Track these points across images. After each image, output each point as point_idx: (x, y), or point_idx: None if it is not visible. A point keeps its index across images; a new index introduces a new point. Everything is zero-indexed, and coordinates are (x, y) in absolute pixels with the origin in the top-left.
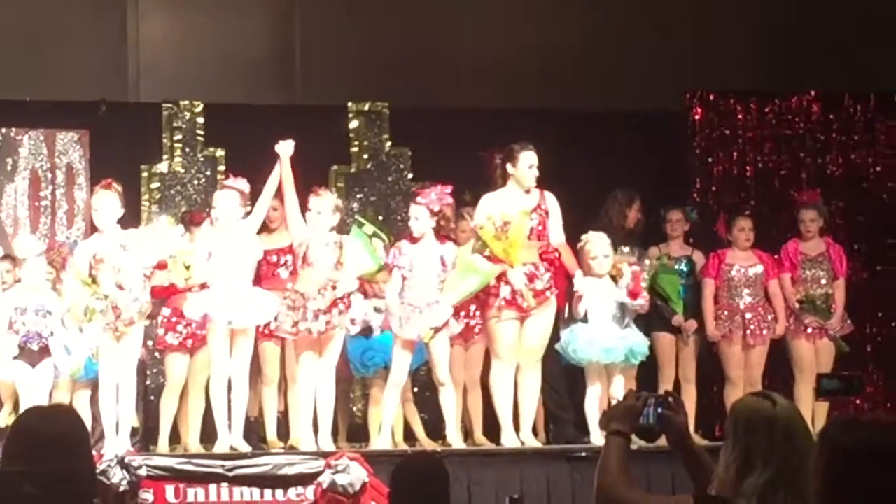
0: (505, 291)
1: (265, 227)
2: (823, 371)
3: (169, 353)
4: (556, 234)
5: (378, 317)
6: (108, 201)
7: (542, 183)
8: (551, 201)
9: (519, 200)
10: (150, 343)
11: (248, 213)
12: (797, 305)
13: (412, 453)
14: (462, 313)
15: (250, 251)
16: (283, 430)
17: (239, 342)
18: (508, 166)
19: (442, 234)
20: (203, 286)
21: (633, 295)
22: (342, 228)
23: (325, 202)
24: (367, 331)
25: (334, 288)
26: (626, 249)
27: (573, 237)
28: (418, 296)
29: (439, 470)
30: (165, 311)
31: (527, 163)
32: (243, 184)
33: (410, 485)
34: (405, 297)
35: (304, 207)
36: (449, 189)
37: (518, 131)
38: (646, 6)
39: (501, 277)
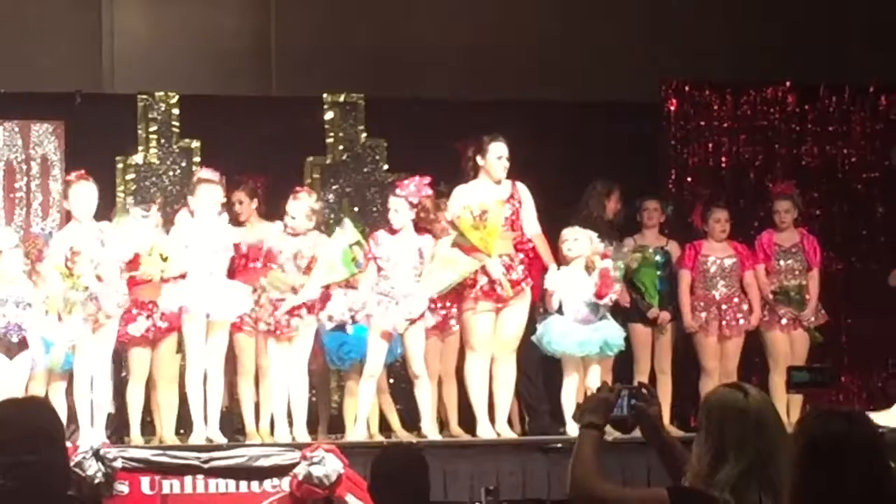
0: (482, 281)
1: (235, 221)
2: (798, 362)
3: (131, 346)
4: (531, 225)
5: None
6: (84, 192)
7: (518, 174)
8: (524, 192)
9: (492, 191)
10: None
11: (223, 205)
12: (771, 296)
13: (391, 444)
14: (438, 305)
15: (225, 244)
16: (257, 422)
17: (214, 334)
18: (478, 158)
19: (420, 225)
20: (179, 278)
21: (600, 295)
22: (322, 223)
23: (302, 206)
24: (343, 325)
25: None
26: (601, 243)
27: (548, 228)
28: (395, 287)
29: (419, 461)
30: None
31: (496, 154)
32: (217, 176)
33: (390, 476)
34: (381, 288)
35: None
36: (427, 181)
37: (494, 122)
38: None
39: (479, 268)
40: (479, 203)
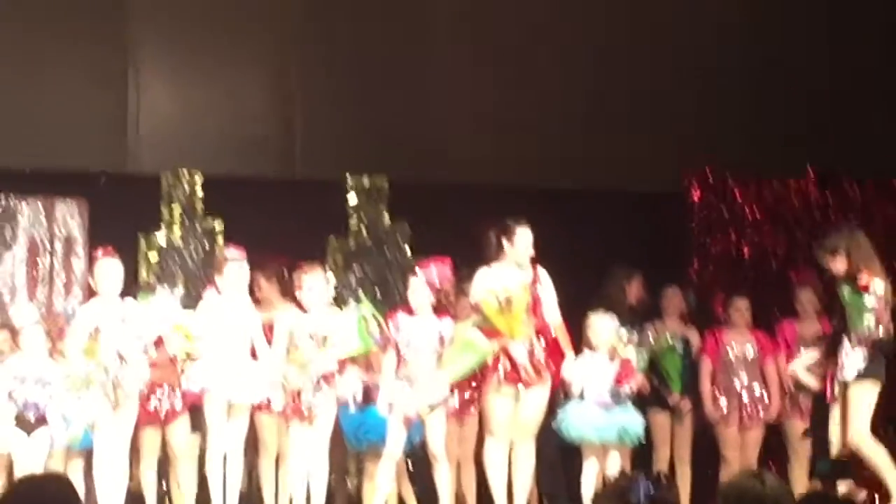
0: (505, 366)
1: (256, 302)
2: None
3: (142, 426)
4: (552, 312)
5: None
6: (109, 269)
7: (540, 259)
8: (545, 277)
9: (516, 275)
10: None
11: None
12: (793, 387)
13: None
14: (458, 389)
15: (249, 325)
16: None
17: (235, 416)
18: (505, 242)
19: (440, 308)
20: (199, 358)
21: (619, 381)
22: (338, 300)
23: (316, 281)
24: (361, 404)
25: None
26: (623, 331)
27: (570, 315)
28: (415, 371)
29: None
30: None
31: (523, 238)
32: (244, 255)
33: None
34: (402, 373)
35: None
36: (448, 264)
37: (517, 207)
38: (645, 86)
39: (501, 351)
40: (503, 288)
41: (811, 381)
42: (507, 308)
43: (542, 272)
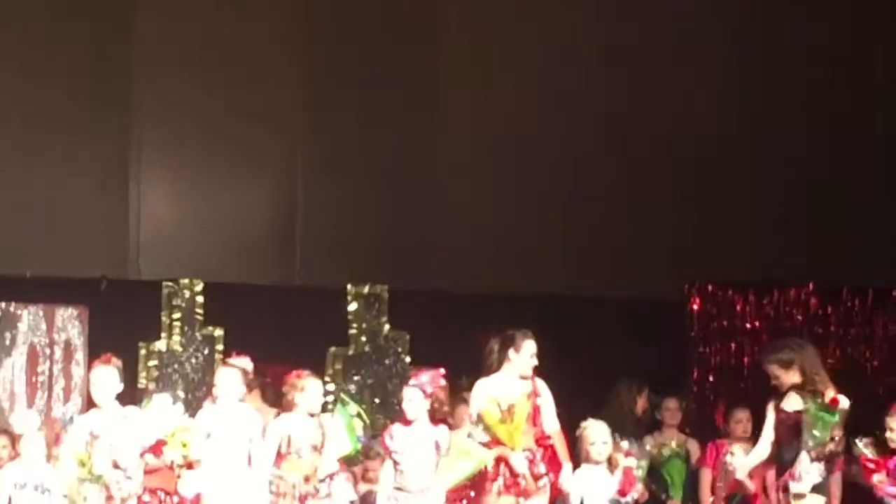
0: (504, 475)
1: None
2: None
3: None
4: (550, 421)
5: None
6: (107, 376)
7: (537, 367)
8: (543, 387)
9: (517, 386)
10: None
11: (248, 392)
12: (794, 500)
13: None
14: (456, 498)
15: (248, 433)
16: None
17: None
18: (511, 352)
19: (437, 417)
20: (196, 465)
21: (623, 492)
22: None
23: (317, 388)
24: None
25: (315, 473)
26: (625, 443)
27: (567, 425)
28: (411, 481)
29: None
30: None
31: (529, 351)
32: (246, 362)
33: None
34: (398, 482)
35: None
36: (442, 371)
37: (516, 316)
38: (647, 195)
39: (500, 461)
40: (506, 397)
41: (749, 484)
42: (509, 417)
43: (541, 383)
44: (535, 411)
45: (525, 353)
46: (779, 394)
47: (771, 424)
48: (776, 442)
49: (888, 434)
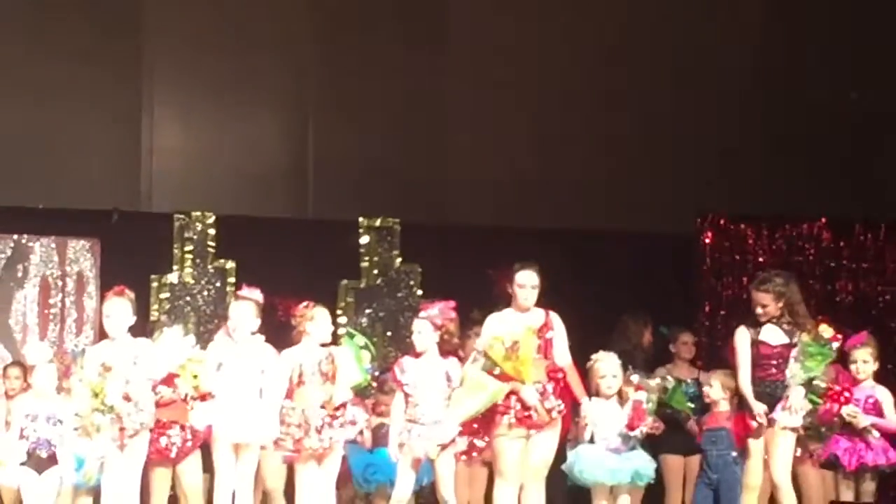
0: (516, 408)
1: None
2: (831, 499)
3: (153, 465)
4: (562, 355)
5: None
6: (120, 308)
7: (551, 302)
8: (556, 321)
9: (524, 319)
10: None
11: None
12: (802, 432)
13: None
14: (467, 431)
15: (260, 364)
16: None
17: (243, 456)
18: (508, 286)
19: (445, 349)
20: (208, 397)
21: (632, 426)
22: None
23: (325, 318)
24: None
25: (331, 401)
26: (635, 376)
27: (580, 358)
28: (424, 412)
29: None
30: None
31: (524, 282)
32: (258, 294)
33: None
34: (410, 414)
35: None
36: (452, 304)
37: (529, 250)
38: (660, 128)
39: (512, 394)
40: (510, 333)
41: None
42: (513, 353)
43: (555, 317)
44: (548, 345)
45: (520, 285)
46: (754, 325)
47: (748, 355)
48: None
49: (852, 366)
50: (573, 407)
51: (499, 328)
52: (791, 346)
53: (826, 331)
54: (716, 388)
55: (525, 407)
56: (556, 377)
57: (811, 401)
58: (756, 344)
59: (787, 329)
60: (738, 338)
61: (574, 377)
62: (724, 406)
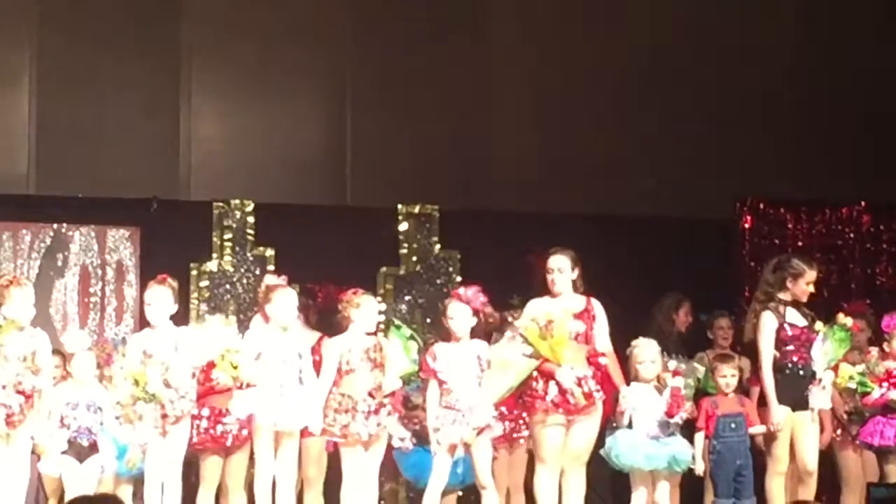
0: (552, 393)
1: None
2: (870, 480)
3: (206, 452)
4: (603, 341)
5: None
6: (162, 296)
7: (590, 287)
8: (598, 308)
9: (562, 304)
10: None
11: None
12: (845, 416)
13: None
14: (506, 416)
15: (300, 350)
16: None
17: (284, 444)
18: (542, 272)
19: (488, 330)
20: (250, 385)
21: (671, 413)
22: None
23: (372, 306)
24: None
25: (380, 388)
26: (672, 362)
27: (620, 343)
28: (458, 398)
29: None
30: (205, 412)
31: (553, 266)
32: (285, 281)
33: None
34: (445, 401)
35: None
36: (481, 287)
37: (568, 235)
38: (697, 112)
39: (548, 377)
40: (544, 313)
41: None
42: (548, 332)
43: (596, 303)
44: (587, 330)
45: (551, 269)
46: (775, 306)
47: (771, 339)
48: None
49: (886, 346)
50: (613, 392)
51: (536, 311)
52: (810, 328)
53: (846, 320)
54: (728, 376)
55: (562, 391)
56: (597, 362)
57: (861, 384)
58: (783, 327)
59: (804, 312)
60: (765, 322)
61: (614, 364)
62: (733, 389)
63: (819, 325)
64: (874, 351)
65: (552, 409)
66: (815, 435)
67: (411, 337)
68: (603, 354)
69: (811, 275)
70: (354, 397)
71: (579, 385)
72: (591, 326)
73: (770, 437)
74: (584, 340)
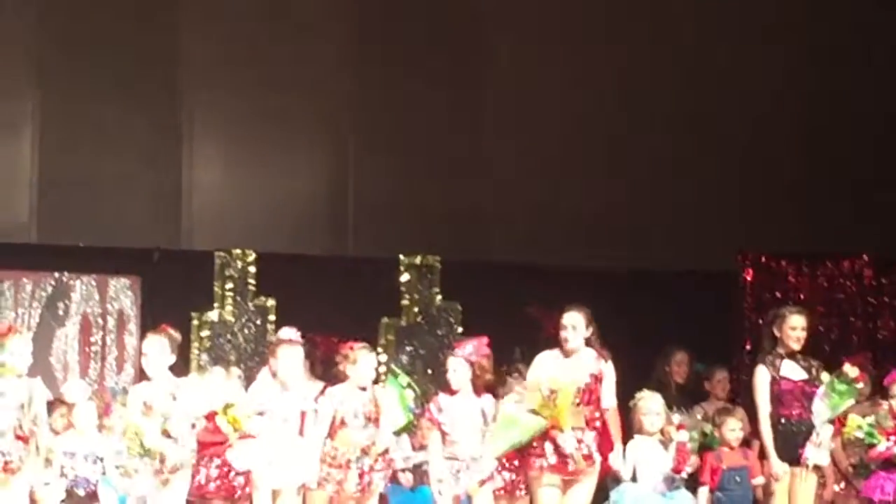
0: (549, 454)
1: None
2: None
3: (206, 501)
4: (609, 398)
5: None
6: (159, 347)
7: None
8: (607, 369)
9: (573, 364)
10: None
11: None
12: (850, 470)
13: None
14: (507, 467)
15: (302, 405)
16: None
17: (284, 497)
18: (554, 327)
19: (479, 385)
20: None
21: (678, 469)
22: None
23: (370, 361)
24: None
25: (374, 445)
26: (676, 416)
27: (620, 396)
28: (461, 450)
29: None
30: (216, 461)
31: (566, 323)
32: (297, 335)
33: None
34: (448, 452)
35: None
36: (486, 340)
37: (568, 288)
38: (699, 167)
39: (548, 440)
40: (550, 379)
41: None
42: (550, 401)
43: (608, 368)
44: (592, 393)
45: (564, 326)
46: (773, 362)
47: (766, 392)
48: (774, 411)
49: (892, 402)
50: (612, 450)
51: (542, 372)
52: (810, 382)
53: (851, 370)
54: (736, 429)
55: (562, 455)
56: (594, 424)
57: (869, 434)
58: (777, 381)
59: (804, 365)
60: (759, 376)
61: (615, 421)
62: (737, 441)
63: (825, 375)
64: (885, 404)
65: (547, 469)
66: (810, 490)
67: (408, 385)
68: (603, 412)
69: (795, 319)
70: (348, 453)
71: (579, 447)
72: (598, 386)
73: (768, 492)
74: (586, 400)
